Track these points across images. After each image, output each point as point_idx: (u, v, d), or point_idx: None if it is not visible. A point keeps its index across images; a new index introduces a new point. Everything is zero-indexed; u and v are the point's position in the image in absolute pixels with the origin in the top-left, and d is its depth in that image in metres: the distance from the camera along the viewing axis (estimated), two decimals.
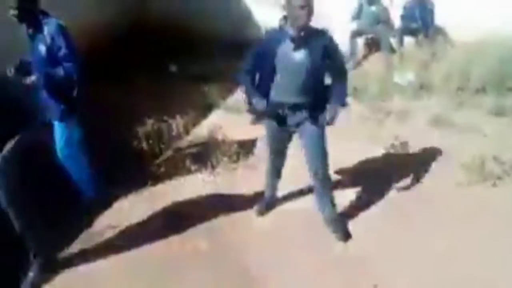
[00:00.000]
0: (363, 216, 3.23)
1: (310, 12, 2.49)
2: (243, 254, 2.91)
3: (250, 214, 3.29)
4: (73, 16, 5.27)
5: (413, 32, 6.40)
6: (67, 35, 2.88)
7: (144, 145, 3.99)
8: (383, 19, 6.48)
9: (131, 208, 3.41)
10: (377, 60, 6.48)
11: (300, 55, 2.61)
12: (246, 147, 4.14)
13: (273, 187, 3.28)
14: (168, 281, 2.71)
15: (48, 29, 2.83)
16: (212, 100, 5.25)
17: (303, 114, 2.76)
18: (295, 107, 2.75)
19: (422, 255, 2.85)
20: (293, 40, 2.59)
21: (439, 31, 6.39)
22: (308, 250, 2.89)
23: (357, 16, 6.56)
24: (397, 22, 6.56)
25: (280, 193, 3.38)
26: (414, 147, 4.10)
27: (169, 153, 4.15)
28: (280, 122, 2.83)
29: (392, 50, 6.47)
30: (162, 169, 3.91)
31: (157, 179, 3.77)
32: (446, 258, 2.81)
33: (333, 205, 3.04)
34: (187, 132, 4.44)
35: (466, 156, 3.78)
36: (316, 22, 2.62)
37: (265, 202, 3.32)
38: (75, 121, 3.10)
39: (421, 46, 6.08)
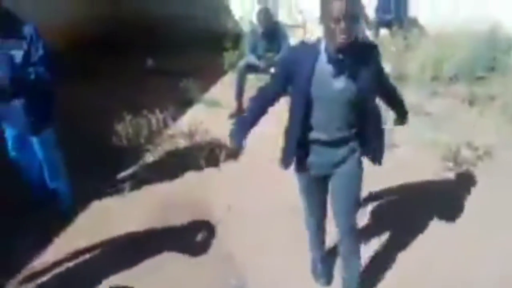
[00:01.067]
0: None
1: (351, 27, 1.78)
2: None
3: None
4: (48, 15, 5.24)
5: (387, 24, 6.53)
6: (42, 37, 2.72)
7: (124, 141, 3.96)
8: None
9: (113, 206, 3.40)
10: None
11: (340, 84, 1.92)
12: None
13: (320, 247, 2.59)
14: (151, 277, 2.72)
15: (27, 31, 2.63)
16: (192, 94, 5.24)
17: (342, 153, 2.13)
18: (334, 143, 2.11)
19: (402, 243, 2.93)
20: (330, 63, 1.91)
21: (413, 22, 6.53)
22: None
23: None
24: (372, 14, 6.67)
25: None
26: (390, 137, 4.18)
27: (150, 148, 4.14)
28: (311, 165, 2.19)
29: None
30: (145, 164, 3.90)
31: (139, 175, 3.77)
32: (427, 244, 2.90)
33: (358, 266, 2.43)
34: (166, 127, 4.42)
35: (441, 143, 3.89)
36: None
37: (320, 263, 2.63)
38: (51, 129, 2.97)
39: (395, 37, 6.19)
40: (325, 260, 2.63)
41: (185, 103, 5.13)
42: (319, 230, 2.49)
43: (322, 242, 2.58)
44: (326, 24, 1.81)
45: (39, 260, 2.83)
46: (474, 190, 3.42)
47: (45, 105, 2.88)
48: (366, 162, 2.21)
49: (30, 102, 2.76)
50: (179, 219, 3.21)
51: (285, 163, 2.21)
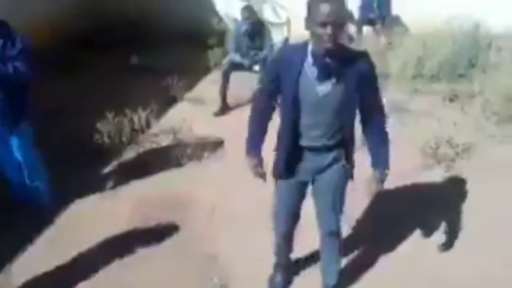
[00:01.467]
0: None
1: (337, 32, 1.74)
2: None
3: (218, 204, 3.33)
4: (28, 11, 5.15)
5: (371, 22, 6.59)
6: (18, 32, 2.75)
7: (106, 139, 3.92)
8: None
9: (94, 205, 3.37)
10: None
11: (324, 89, 1.88)
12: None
13: (286, 256, 2.57)
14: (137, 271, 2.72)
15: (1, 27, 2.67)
16: (175, 92, 5.21)
17: (326, 159, 2.09)
18: (319, 150, 2.07)
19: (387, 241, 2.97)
20: (316, 66, 1.87)
21: (396, 21, 6.61)
22: None
23: None
24: (355, 12, 6.73)
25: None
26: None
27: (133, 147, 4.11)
28: (296, 171, 2.15)
29: (350, 40, 6.63)
30: (127, 163, 3.88)
31: (120, 174, 3.74)
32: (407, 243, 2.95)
33: (338, 266, 2.46)
34: (148, 125, 4.39)
35: (421, 140, 3.95)
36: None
37: (280, 273, 2.60)
38: (27, 124, 2.97)
39: (378, 35, 6.25)
40: (286, 270, 2.59)
41: (169, 101, 5.10)
42: (285, 238, 2.44)
43: (289, 250, 2.54)
44: (312, 29, 1.77)
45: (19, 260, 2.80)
46: (453, 188, 3.48)
47: (21, 99, 2.86)
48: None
49: (7, 95, 2.75)
50: (161, 218, 3.20)
51: (277, 173, 2.17)
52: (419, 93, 5.19)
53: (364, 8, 6.61)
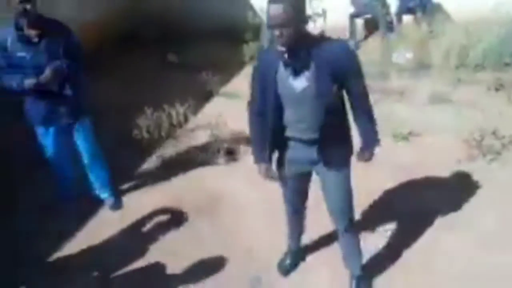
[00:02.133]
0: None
1: (287, 33, 1.78)
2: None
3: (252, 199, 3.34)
4: (72, 11, 5.36)
5: (411, 10, 6.37)
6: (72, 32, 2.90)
7: (145, 134, 4.02)
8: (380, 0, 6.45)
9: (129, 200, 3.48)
10: (376, 40, 6.45)
11: (300, 83, 1.93)
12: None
13: (297, 238, 2.68)
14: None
15: (57, 28, 2.82)
16: (212, 87, 5.26)
17: (315, 153, 2.12)
18: (307, 142, 2.10)
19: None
20: (285, 66, 1.94)
21: (437, 8, 6.35)
22: None
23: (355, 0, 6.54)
24: (394, 2, 6.52)
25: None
26: (414, 126, 4.10)
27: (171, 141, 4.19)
28: (292, 159, 2.20)
29: (390, 29, 6.44)
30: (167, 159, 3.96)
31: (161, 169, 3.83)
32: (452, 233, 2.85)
33: (360, 258, 2.50)
34: (186, 120, 4.46)
35: (466, 132, 3.79)
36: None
37: (289, 257, 2.73)
38: (88, 118, 3.10)
39: (419, 24, 6.03)
40: (295, 255, 2.73)
41: (206, 96, 5.16)
42: (295, 217, 2.54)
43: (298, 234, 2.65)
44: (269, 30, 1.83)
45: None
46: (497, 181, 3.32)
47: (80, 94, 2.98)
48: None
49: (70, 89, 2.90)
50: (197, 212, 3.27)
51: (256, 158, 2.26)
52: (463, 82, 4.97)
53: None
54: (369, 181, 3.15)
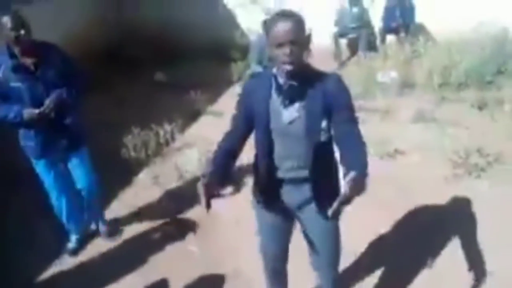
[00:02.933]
0: None
1: (296, 52, 1.65)
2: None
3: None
4: (60, 31, 5.34)
5: (394, 30, 6.53)
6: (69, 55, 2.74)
7: (132, 153, 3.99)
8: (364, 20, 6.62)
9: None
10: (360, 60, 6.56)
11: (289, 115, 1.76)
12: None
13: None
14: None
15: (52, 53, 2.63)
16: (199, 106, 5.27)
17: (304, 194, 1.91)
18: (294, 182, 1.90)
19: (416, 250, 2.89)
20: (279, 92, 1.77)
21: (420, 29, 6.52)
22: None
23: (340, 20, 6.68)
24: (378, 23, 6.69)
25: None
26: (399, 144, 4.14)
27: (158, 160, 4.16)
28: (276, 203, 1.98)
29: (373, 49, 6.58)
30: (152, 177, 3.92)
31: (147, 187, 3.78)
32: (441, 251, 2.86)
33: None
34: (173, 138, 4.44)
35: (450, 150, 3.84)
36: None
37: None
38: (85, 147, 2.91)
39: (402, 44, 6.17)
40: None
41: (193, 115, 5.15)
42: (276, 279, 2.30)
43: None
44: (273, 51, 1.67)
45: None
46: (483, 198, 3.35)
47: (77, 121, 2.81)
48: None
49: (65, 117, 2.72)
50: (185, 232, 3.23)
51: (258, 200, 2.04)
52: (447, 101, 5.07)
53: (387, 17, 6.57)
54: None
